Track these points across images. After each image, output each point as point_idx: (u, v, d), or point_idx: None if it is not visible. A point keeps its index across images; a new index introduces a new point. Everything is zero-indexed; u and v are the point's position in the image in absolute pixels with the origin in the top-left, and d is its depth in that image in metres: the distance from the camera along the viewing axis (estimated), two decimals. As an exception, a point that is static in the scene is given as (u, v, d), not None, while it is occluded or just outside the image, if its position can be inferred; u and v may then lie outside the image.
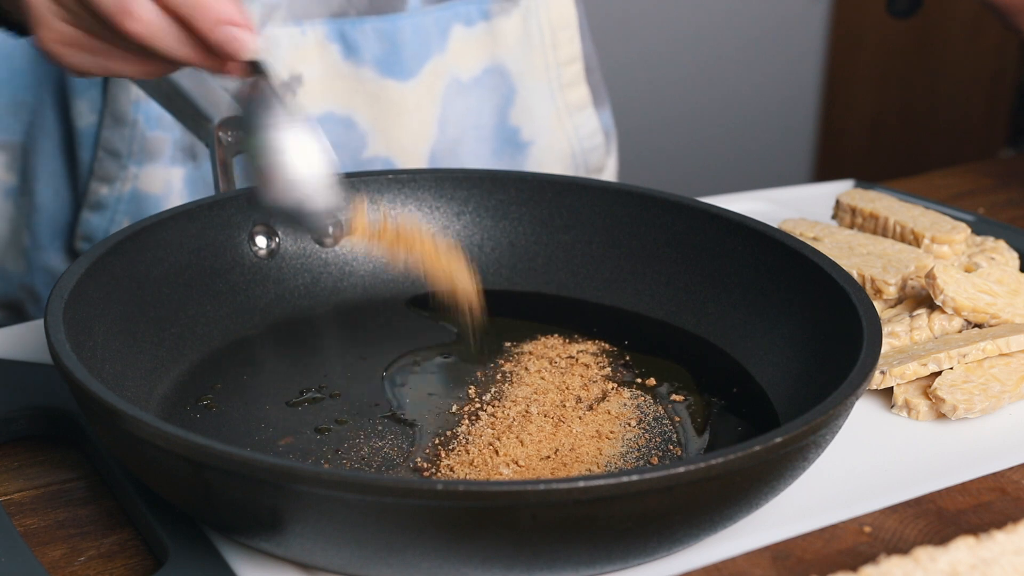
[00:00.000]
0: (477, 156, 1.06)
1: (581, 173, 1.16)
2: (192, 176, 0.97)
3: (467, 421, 0.68)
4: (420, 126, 1.01)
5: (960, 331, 0.77)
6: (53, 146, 0.97)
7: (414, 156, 1.02)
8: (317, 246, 0.79)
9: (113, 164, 0.95)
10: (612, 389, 0.71)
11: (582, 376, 0.72)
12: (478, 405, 0.69)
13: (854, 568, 0.59)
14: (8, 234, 1.00)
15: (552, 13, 1.06)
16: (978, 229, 0.96)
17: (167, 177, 0.96)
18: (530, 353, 0.75)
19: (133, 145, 0.95)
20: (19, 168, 0.98)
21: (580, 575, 0.56)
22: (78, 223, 0.97)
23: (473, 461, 0.64)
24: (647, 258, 0.80)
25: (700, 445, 0.67)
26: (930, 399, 0.71)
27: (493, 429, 0.67)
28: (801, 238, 0.83)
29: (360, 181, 0.80)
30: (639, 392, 0.71)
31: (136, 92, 0.92)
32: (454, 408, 0.69)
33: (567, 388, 0.71)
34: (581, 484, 0.51)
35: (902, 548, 0.61)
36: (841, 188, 1.09)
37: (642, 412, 0.69)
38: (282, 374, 0.72)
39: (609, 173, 1.17)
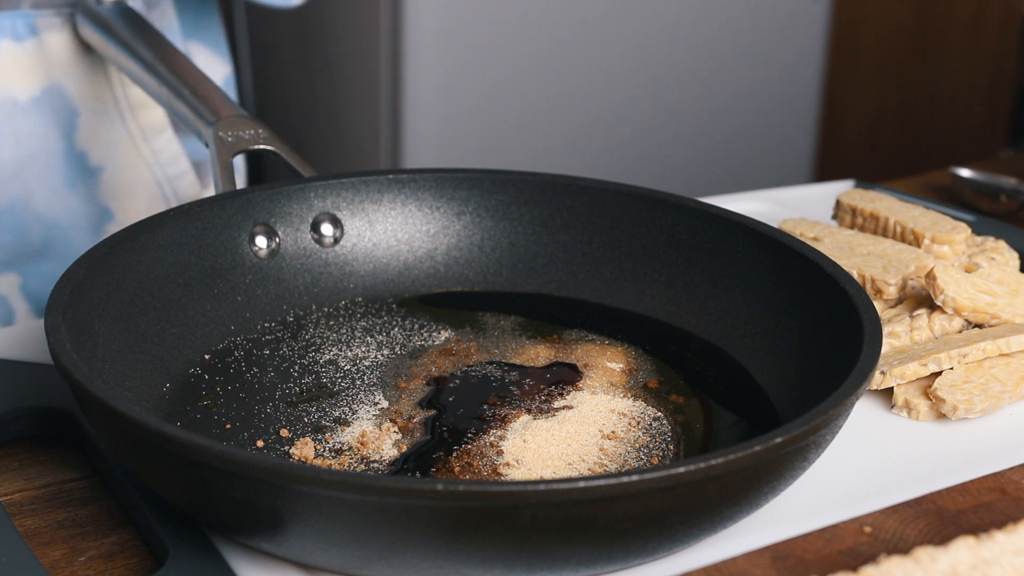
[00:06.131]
0: (48, 182, 1.01)
1: (172, 204, 1.07)
2: None
3: (468, 420, 0.68)
4: None
5: (960, 331, 0.77)
6: None
7: None
8: (317, 246, 0.79)
9: None
10: (612, 389, 0.71)
11: (582, 376, 0.72)
12: (479, 405, 0.69)
13: (854, 568, 0.59)
14: None
15: None
16: (978, 229, 0.96)
17: None
18: (530, 353, 0.75)
19: None
20: None
21: (580, 575, 0.56)
22: None
23: (474, 461, 0.64)
24: (647, 258, 0.80)
25: (700, 446, 0.67)
26: (930, 399, 0.71)
27: (494, 428, 0.67)
28: (801, 238, 0.83)
29: (360, 181, 0.80)
30: (639, 392, 0.71)
31: None
32: (455, 407, 0.69)
33: (567, 388, 0.71)
34: (581, 484, 0.51)
35: (902, 548, 0.61)
36: (841, 188, 1.09)
37: (642, 412, 0.69)
38: (282, 374, 0.72)
39: None
